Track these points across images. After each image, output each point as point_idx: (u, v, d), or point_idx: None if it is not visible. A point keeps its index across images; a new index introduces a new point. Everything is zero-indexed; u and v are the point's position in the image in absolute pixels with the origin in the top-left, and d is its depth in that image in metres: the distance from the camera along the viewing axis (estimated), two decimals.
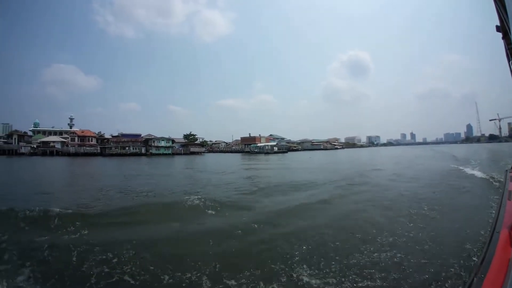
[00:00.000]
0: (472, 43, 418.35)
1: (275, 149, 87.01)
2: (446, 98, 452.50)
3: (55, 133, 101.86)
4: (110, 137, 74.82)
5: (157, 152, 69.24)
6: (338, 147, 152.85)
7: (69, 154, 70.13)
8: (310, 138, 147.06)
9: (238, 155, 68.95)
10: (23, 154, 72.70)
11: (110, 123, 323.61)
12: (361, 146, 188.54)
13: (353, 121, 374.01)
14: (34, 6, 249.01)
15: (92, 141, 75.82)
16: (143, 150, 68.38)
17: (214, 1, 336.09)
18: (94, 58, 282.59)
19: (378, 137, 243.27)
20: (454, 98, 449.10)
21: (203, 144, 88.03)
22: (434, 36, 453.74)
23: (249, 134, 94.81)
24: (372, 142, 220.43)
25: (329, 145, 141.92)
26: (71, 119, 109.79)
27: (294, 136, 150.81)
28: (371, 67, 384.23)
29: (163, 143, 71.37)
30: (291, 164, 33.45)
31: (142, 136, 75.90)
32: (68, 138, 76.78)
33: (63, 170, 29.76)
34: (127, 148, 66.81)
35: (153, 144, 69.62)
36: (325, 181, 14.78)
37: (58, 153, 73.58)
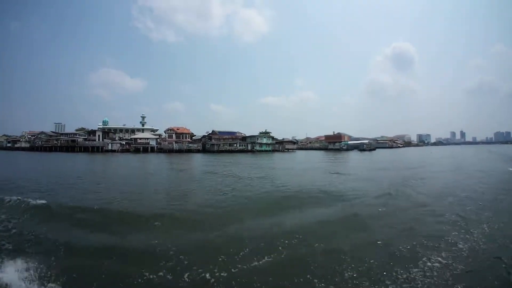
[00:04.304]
0: None
1: (364, 146, 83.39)
2: (494, 94, 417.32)
3: (126, 130, 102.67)
4: (206, 134, 73.77)
5: (260, 149, 67.27)
6: (400, 145, 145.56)
7: (170, 151, 69.51)
8: (354, 136, 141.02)
9: (334, 153, 66.20)
10: (112, 151, 72.19)
11: (158, 121, 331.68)
12: (416, 145, 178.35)
13: (399, 118, 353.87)
14: (77, 14, 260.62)
15: (187, 138, 75.13)
16: (249, 147, 66.57)
17: (251, 0, 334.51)
18: (138, 62, 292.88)
19: (428, 135, 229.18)
20: (503, 93, 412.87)
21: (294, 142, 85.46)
22: (479, 25, 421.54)
23: (333, 132, 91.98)
24: (423, 141, 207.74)
25: (394, 144, 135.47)
26: (143, 117, 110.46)
27: None
28: (416, 60, 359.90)
29: (265, 140, 69.38)
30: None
31: (236, 133, 74.35)
32: (165, 135, 76.87)
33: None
34: (235, 145, 65.20)
35: (256, 141, 67.71)
36: None
37: (153, 150, 73.24)
